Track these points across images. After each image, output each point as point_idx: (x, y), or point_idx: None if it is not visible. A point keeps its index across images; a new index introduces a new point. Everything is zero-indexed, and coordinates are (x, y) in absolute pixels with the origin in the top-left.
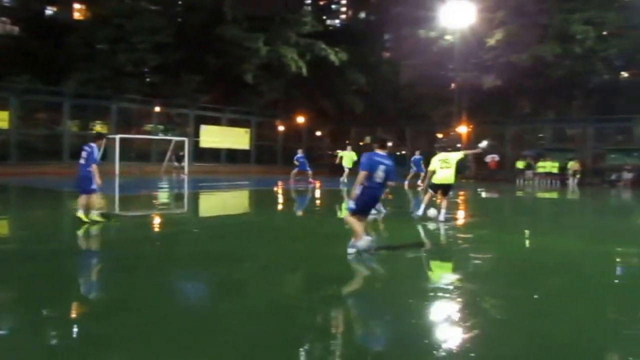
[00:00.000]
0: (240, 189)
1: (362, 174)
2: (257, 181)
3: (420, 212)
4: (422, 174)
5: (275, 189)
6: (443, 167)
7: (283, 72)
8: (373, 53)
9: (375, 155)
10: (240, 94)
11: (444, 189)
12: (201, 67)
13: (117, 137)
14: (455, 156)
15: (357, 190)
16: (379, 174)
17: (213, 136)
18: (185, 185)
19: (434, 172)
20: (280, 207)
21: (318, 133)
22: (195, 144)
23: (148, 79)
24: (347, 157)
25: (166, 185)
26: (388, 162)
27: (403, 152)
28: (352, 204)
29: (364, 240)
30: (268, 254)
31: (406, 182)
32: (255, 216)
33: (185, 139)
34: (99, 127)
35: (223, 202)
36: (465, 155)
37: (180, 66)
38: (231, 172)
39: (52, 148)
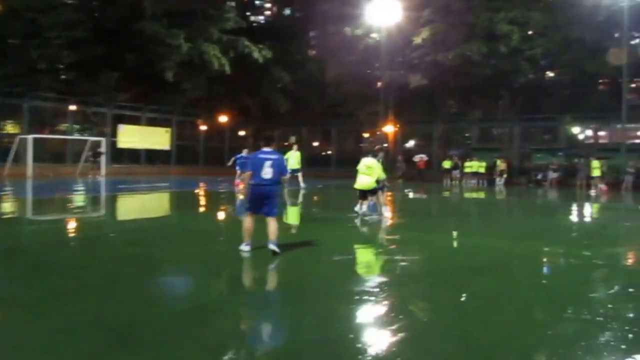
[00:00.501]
0: (159, 191)
1: (246, 174)
2: (178, 182)
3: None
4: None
5: (196, 190)
6: (363, 172)
7: (205, 70)
8: (298, 51)
9: (260, 153)
10: (161, 92)
11: (362, 193)
12: (120, 64)
13: (30, 137)
14: (377, 167)
15: (246, 191)
16: (266, 170)
17: (132, 136)
18: (102, 188)
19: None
20: (201, 209)
21: (242, 133)
22: (113, 145)
23: (63, 76)
24: (294, 157)
25: (82, 188)
26: (275, 156)
27: (329, 152)
28: (246, 204)
29: (245, 244)
30: (188, 256)
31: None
32: (174, 219)
33: (103, 139)
34: (10, 127)
35: (141, 205)
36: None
37: (97, 63)
38: (151, 173)
39: None
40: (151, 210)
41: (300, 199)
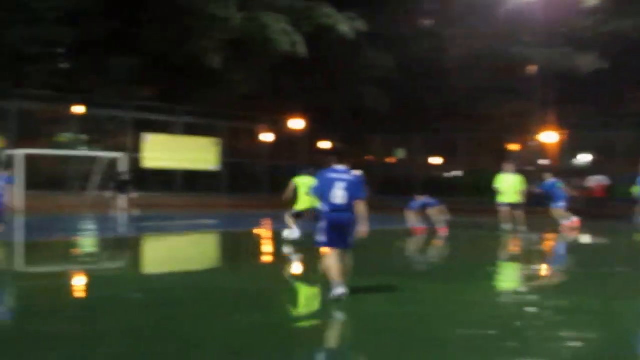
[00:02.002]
0: (202, 233)
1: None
2: (230, 219)
3: None
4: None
5: (256, 231)
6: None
7: (267, 53)
8: (405, 22)
9: (330, 172)
10: (201, 86)
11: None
12: (140, 46)
13: (20, 152)
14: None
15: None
16: (337, 193)
17: (163, 150)
18: (121, 227)
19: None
20: (264, 260)
21: (323, 144)
22: (134, 163)
23: (61, 65)
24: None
25: (93, 227)
26: (348, 177)
27: (454, 173)
28: (320, 237)
29: (337, 286)
30: (238, 332)
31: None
32: (221, 276)
33: (121, 156)
34: None
35: (175, 253)
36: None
37: (107, 45)
38: (190, 205)
39: None
40: (188, 261)
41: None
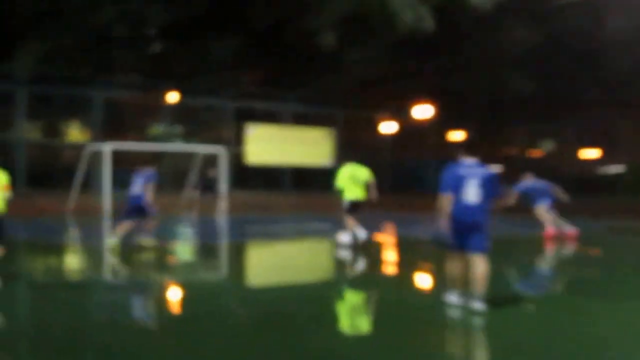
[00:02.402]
0: (316, 238)
1: (442, 198)
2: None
3: None
4: None
5: (379, 236)
6: None
7: (389, 30)
8: None
9: (460, 167)
10: (313, 70)
11: None
12: (242, 24)
13: (107, 147)
14: None
15: (443, 222)
16: (470, 191)
17: (269, 143)
18: (221, 230)
19: None
20: (392, 271)
21: (456, 135)
22: (235, 158)
23: (152, 49)
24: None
25: (189, 230)
26: (482, 172)
27: (614, 168)
28: (447, 238)
29: (451, 294)
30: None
31: None
32: (343, 287)
33: (221, 150)
34: (76, 132)
35: (285, 261)
36: None
37: (205, 24)
38: (303, 207)
39: None
40: (306, 271)
41: None
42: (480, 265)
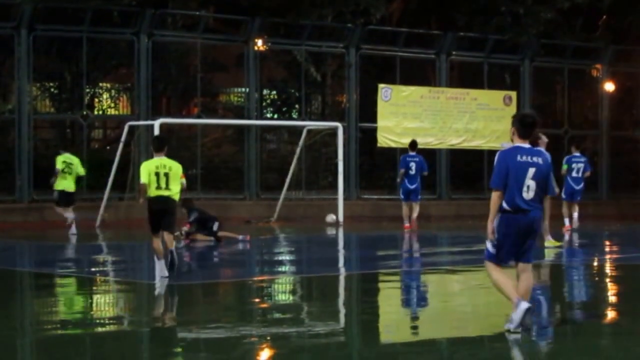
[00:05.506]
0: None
1: (493, 195)
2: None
3: None
4: None
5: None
6: None
7: None
8: None
9: (517, 150)
10: None
11: None
12: None
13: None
14: None
15: (492, 223)
16: (529, 184)
17: (414, 116)
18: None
19: None
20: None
21: None
22: (361, 142)
23: None
24: None
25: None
26: (542, 158)
27: None
28: (488, 246)
29: (517, 310)
30: None
31: None
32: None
33: (339, 126)
34: None
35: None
36: None
37: None
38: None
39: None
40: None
41: None
42: (527, 277)
